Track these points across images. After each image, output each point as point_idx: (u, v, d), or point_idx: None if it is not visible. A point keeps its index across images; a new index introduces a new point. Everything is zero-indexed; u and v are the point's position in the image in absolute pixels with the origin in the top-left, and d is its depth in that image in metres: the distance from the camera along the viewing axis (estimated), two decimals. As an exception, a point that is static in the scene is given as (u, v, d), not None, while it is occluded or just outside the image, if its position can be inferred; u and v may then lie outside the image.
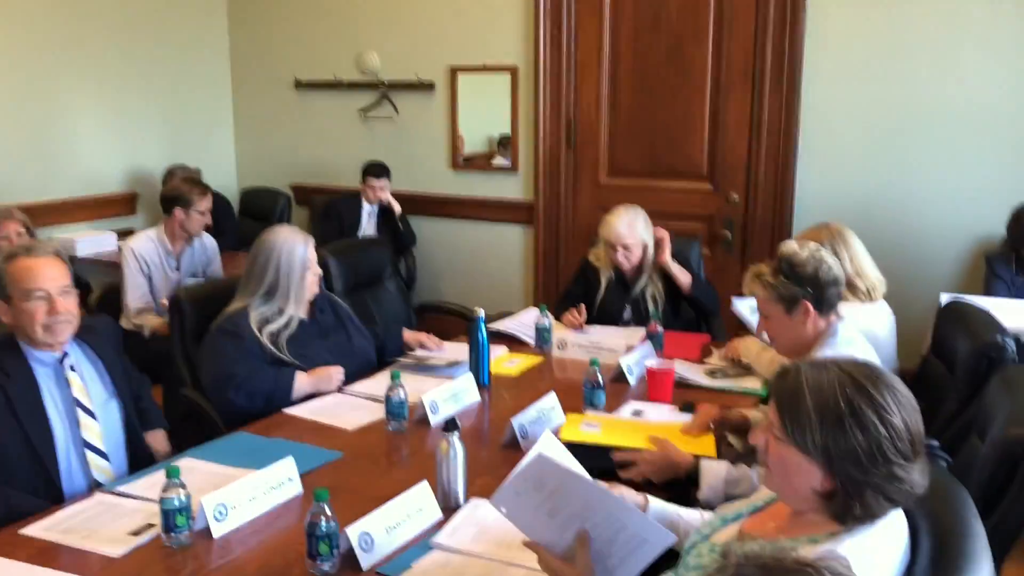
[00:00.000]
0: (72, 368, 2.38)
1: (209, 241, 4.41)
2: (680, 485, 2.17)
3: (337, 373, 2.94)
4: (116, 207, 5.70)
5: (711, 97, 4.89)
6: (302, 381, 2.87)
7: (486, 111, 5.56)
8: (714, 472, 2.14)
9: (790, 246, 2.30)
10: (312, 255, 3.03)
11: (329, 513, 1.78)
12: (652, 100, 5.02)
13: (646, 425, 2.55)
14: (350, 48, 5.81)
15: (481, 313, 2.97)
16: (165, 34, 5.85)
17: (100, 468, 2.34)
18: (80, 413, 2.33)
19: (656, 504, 1.93)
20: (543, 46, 5.17)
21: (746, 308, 3.31)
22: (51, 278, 2.32)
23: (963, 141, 4.34)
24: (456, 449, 2.08)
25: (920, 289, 4.24)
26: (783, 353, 2.40)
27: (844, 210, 4.38)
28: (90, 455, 2.33)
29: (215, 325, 2.95)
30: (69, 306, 2.33)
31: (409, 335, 3.34)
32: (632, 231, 3.57)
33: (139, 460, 2.49)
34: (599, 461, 2.20)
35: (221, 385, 2.81)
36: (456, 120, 5.57)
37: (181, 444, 2.71)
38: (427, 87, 5.58)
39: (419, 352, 3.25)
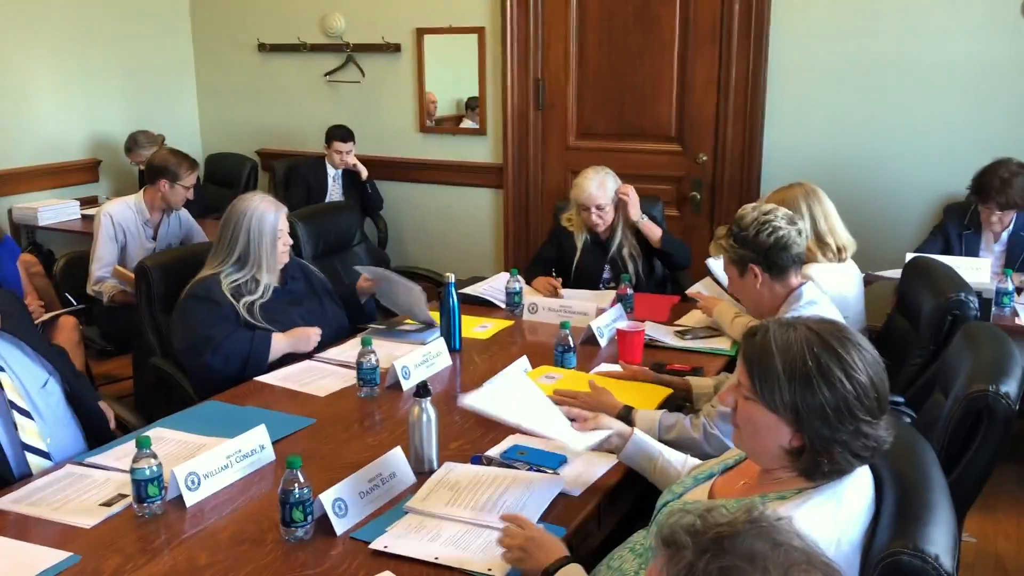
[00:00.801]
0: (1, 368, 2.21)
1: (184, 214, 4.35)
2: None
3: (315, 334, 2.94)
4: (78, 174, 5.61)
5: (679, 58, 4.87)
6: (279, 341, 2.87)
7: (454, 73, 5.51)
8: (648, 418, 2.22)
9: (742, 210, 2.32)
10: (283, 224, 3.00)
11: (302, 480, 1.78)
12: (620, 61, 5.00)
13: (602, 379, 2.58)
14: (314, 10, 5.72)
15: (452, 278, 2.97)
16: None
17: (40, 468, 2.17)
18: (15, 415, 2.18)
19: (640, 435, 2.01)
20: (510, 6, 5.12)
21: (718, 268, 3.33)
22: None
23: (929, 99, 4.37)
24: (428, 414, 2.08)
25: (886, 247, 4.28)
26: (751, 314, 2.43)
27: (812, 169, 4.40)
28: (29, 456, 2.18)
29: (187, 291, 2.92)
30: None
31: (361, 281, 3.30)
32: (603, 191, 3.58)
33: (96, 428, 2.42)
34: None
35: (198, 349, 2.79)
36: (423, 83, 5.51)
37: (151, 413, 2.70)
38: (393, 49, 5.51)
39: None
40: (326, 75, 5.75)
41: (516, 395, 2.12)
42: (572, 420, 2.08)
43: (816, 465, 1.45)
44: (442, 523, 1.84)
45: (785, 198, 2.93)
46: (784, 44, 4.59)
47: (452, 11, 5.31)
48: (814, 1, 4.50)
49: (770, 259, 2.23)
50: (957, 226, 3.90)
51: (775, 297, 2.26)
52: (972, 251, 3.83)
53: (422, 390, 2.10)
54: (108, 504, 1.95)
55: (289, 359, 2.88)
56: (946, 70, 4.32)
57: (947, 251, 3.82)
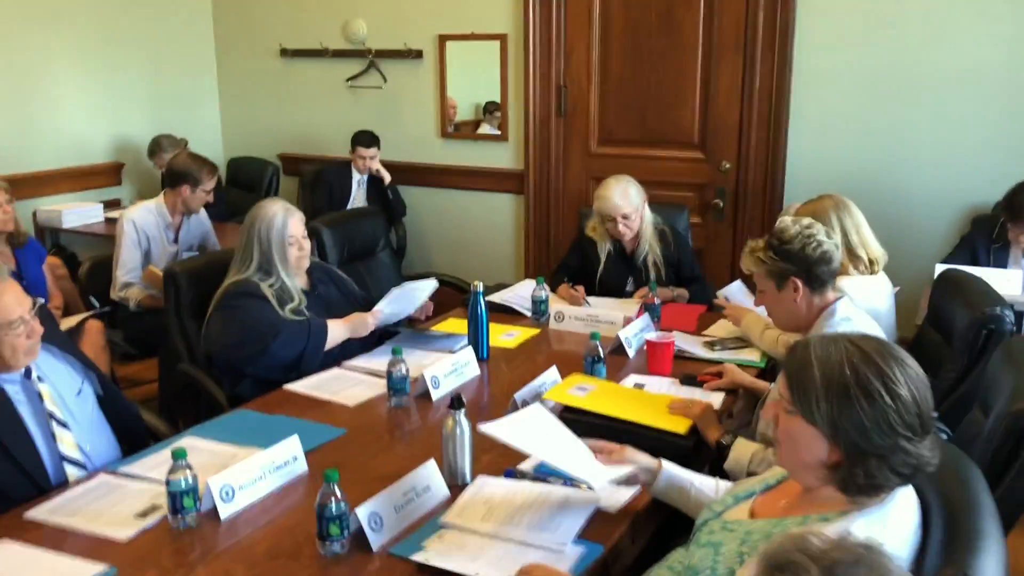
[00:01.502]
0: (40, 379, 2.19)
1: (202, 215, 4.36)
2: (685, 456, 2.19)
3: (371, 317, 2.97)
4: (101, 177, 5.63)
5: (702, 65, 4.84)
6: (336, 328, 2.91)
7: (474, 78, 5.50)
8: (746, 447, 2.18)
9: (782, 222, 2.30)
10: (295, 229, 2.97)
11: (339, 494, 1.77)
12: (643, 68, 4.98)
13: (638, 393, 2.57)
14: (336, 16, 5.71)
15: (480, 286, 2.96)
16: (148, 1, 5.74)
17: (77, 478, 2.16)
18: (54, 425, 2.16)
19: (669, 468, 1.96)
20: (533, 13, 5.11)
21: (733, 292, 3.32)
22: (21, 301, 2.09)
23: (956, 107, 4.33)
24: (463, 427, 2.07)
25: (912, 258, 4.25)
26: (780, 328, 2.40)
27: (836, 178, 4.39)
28: (67, 466, 2.16)
29: (228, 291, 2.90)
30: (38, 323, 2.15)
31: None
32: (627, 200, 3.55)
33: (128, 429, 2.40)
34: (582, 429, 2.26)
35: (260, 337, 2.78)
36: (445, 88, 5.51)
37: (175, 418, 2.70)
38: (415, 55, 5.51)
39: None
40: (348, 81, 5.75)
41: (538, 427, 2.04)
42: (598, 452, 2.00)
43: (851, 477, 1.43)
44: (482, 543, 1.82)
45: (815, 210, 2.90)
46: (809, 52, 4.56)
47: (474, 18, 5.30)
48: (839, 9, 4.47)
49: (812, 273, 2.21)
50: (986, 239, 3.84)
51: (811, 311, 2.23)
52: (1000, 265, 3.77)
53: (456, 402, 2.09)
54: (143, 515, 1.95)
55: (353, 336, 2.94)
56: (973, 78, 4.27)
57: (974, 264, 3.77)
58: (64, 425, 2.19)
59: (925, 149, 4.42)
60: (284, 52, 5.94)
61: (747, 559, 1.50)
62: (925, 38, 4.33)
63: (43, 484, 2.10)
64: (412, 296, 3.11)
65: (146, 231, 4.09)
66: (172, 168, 4.21)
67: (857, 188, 4.13)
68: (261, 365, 2.80)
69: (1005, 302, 2.60)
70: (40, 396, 2.18)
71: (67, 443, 2.18)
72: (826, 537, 1.09)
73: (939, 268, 3.28)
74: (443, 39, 5.43)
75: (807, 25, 4.54)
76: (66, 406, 2.24)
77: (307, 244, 3.03)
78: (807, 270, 2.21)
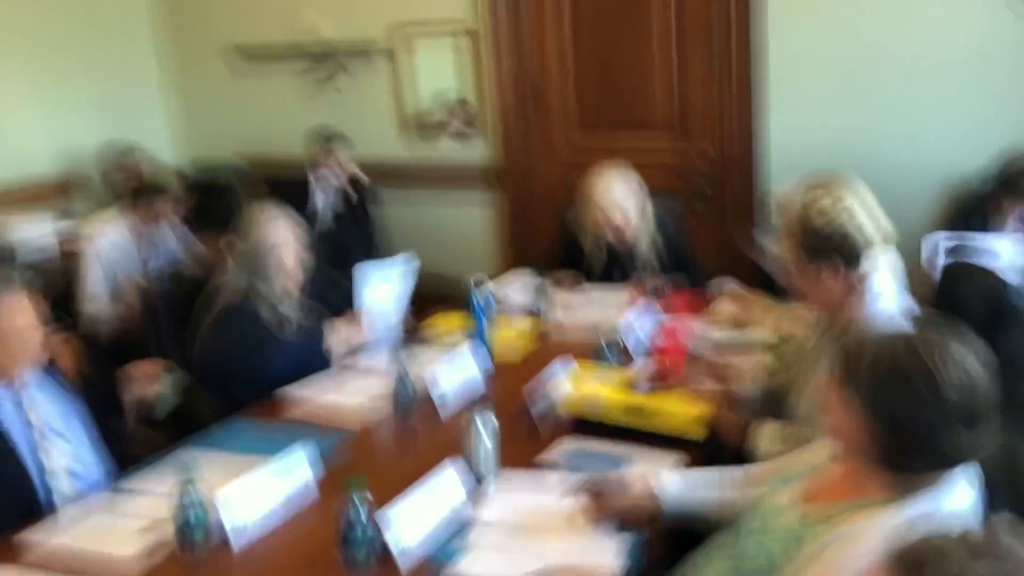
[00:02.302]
0: (25, 388, 2.08)
1: (167, 228, 4.17)
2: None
3: (362, 323, 2.85)
4: (51, 192, 5.32)
5: (677, 47, 4.77)
6: (337, 346, 2.78)
7: (439, 75, 5.37)
8: (766, 435, 2.12)
9: (812, 195, 2.20)
10: (277, 237, 2.81)
11: (362, 503, 1.66)
12: (615, 54, 4.90)
13: (648, 397, 2.46)
14: (293, 13, 5.53)
15: (479, 278, 2.86)
16: (85, 4, 5.50)
17: (69, 495, 2.06)
18: (42, 439, 2.05)
19: (669, 493, 1.83)
20: (497, 4, 5.00)
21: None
22: (35, 309, 2.05)
23: (932, 81, 4.30)
24: (485, 423, 1.97)
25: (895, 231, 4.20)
26: (814, 307, 2.30)
27: (818, 155, 4.32)
28: (58, 482, 2.05)
29: (223, 309, 2.75)
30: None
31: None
32: (627, 193, 3.45)
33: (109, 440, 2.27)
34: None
35: (257, 358, 2.63)
36: (409, 85, 5.36)
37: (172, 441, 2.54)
38: (376, 51, 5.35)
39: None
40: (307, 80, 5.55)
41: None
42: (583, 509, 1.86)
43: (880, 452, 1.39)
44: (521, 544, 1.72)
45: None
46: (783, 29, 4.50)
47: (439, 13, 5.17)
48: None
49: (851, 248, 2.12)
50: (976, 220, 3.80)
51: (849, 288, 2.13)
52: None
53: (479, 400, 1.98)
54: (149, 538, 1.82)
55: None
56: (947, 51, 4.18)
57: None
58: (53, 438, 2.06)
59: (903, 123, 4.37)
60: (238, 51, 5.73)
61: (800, 545, 1.46)
62: (897, 12, 4.28)
63: (31, 503, 1.97)
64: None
65: (111, 256, 3.86)
66: (132, 187, 4.03)
67: (838, 164, 4.04)
68: (258, 386, 2.62)
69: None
70: (24, 406, 2.05)
71: (56, 457, 2.05)
72: (958, 534, 1.09)
73: (933, 239, 3.19)
74: (407, 34, 5.29)
75: (779, 2, 4.49)
76: (54, 418, 2.10)
77: (294, 255, 2.86)
78: (845, 246, 2.12)
